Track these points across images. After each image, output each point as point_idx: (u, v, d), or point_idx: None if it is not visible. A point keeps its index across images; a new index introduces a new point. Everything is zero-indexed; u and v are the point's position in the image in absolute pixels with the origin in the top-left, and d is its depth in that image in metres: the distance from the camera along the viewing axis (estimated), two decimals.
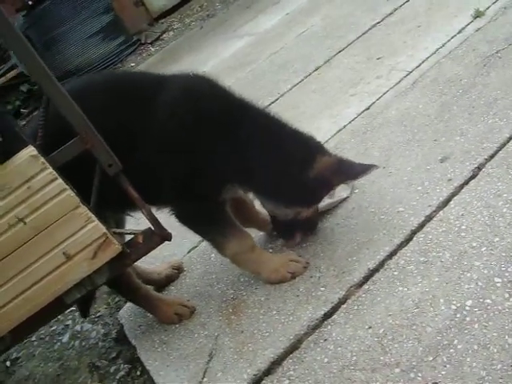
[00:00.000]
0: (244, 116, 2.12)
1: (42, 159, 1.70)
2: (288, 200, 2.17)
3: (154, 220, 1.93)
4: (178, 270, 2.56)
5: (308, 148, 2.15)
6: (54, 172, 1.72)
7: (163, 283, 2.54)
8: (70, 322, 2.86)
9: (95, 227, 1.80)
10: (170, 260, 2.63)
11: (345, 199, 2.43)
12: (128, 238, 2.04)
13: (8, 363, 2.81)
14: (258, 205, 2.41)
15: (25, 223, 1.74)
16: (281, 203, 2.19)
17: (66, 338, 2.75)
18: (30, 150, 1.69)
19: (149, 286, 2.47)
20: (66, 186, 1.74)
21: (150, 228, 1.95)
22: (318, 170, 2.08)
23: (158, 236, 1.95)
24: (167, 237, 1.96)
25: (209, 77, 2.21)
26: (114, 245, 1.83)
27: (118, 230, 1.98)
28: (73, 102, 1.73)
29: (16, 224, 1.73)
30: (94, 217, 1.79)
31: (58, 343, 2.76)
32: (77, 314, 2.85)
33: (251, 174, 2.11)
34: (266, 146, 2.09)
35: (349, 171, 2.12)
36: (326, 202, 2.35)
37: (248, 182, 2.16)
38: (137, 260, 1.97)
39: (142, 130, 2.03)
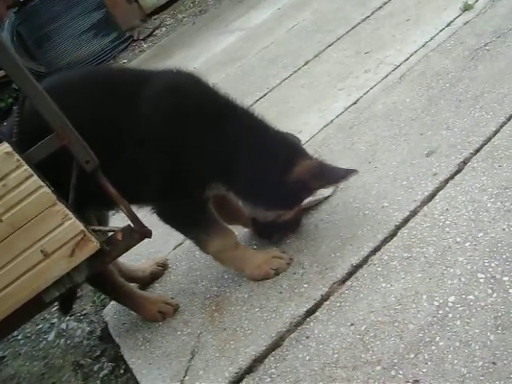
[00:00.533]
0: (229, 114, 2.10)
1: (17, 156, 1.67)
2: (268, 203, 2.15)
3: (133, 217, 1.91)
4: (162, 267, 2.54)
5: (289, 151, 2.13)
6: (30, 169, 1.69)
7: (148, 280, 2.51)
8: (55, 321, 2.83)
9: (72, 224, 1.77)
10: (155, 257, 2.60)
11: (326, 198, 2.40)
12: None
13: None
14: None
15: (1, 221, 1.71)
16: (261, 206, 2.17)
17: (51, 337, 2.73)
18: (5, 147, 1.66)
19: (133, 284, 2.45)
20: (42, 183, 1.71)
21: (129, 225, 1.92)
22: (297, 174, 2.06)
23: (137, 233, 1.92)
24: (147, 234, 1.93)
25: (193, 73, 2.17)
26: (92, 242, 1.80)
27: (96, 228, 1.95)
28: (49, 98, 1.70)
29: None
30: (71, 214, 1.76)
31: (44, 341, 2.73)
32: None
33: (233, 174, 2.09)
34: (249, 147, 2.07)
35: (329, 176, 2.10)
36: (307, 200, 2.34)
37: (230, 182, 2.12)
38: (116, 257, 1.95)
39: (125, 125, 2.00)
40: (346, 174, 2.09)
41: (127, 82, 2.17)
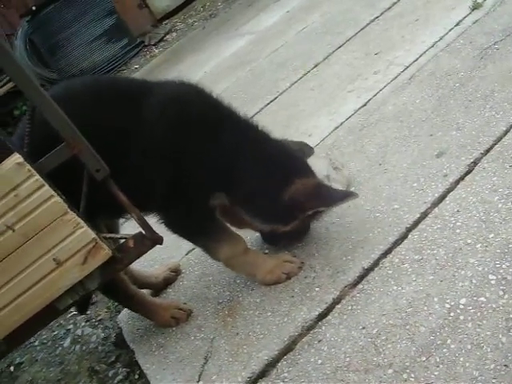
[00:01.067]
0: (231, 124, 2.12)
1: (28, 166, 1.69)
2: (263, 217, 2.17)
3: (144, 224, 1.92)
4: (175, 273, 2.55)
5: (289, 168, 2.13)
6: (41, 179, 1.71)
7: (161, 286, 2.53)
8: (71, 327, 2.86)
9: (84, 233, 1.79)
10: (167, 263, 2.61)
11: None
12: None
13: (12, 368, 2.83)
14: None
15: (13, 230, 1.73)
16: (257, 218, 2.18)
17: (67, 343, 2.75)
18: (16, 158, 1.68)
19: (146, 290, 2.47)
20: (54, 193, 1.73)
21: (140, 232, 1.94)
22: (292, 194, 2.07)
23: (149, 240, 1.93)
24: (158, 240, 1.95)
25: (196, 84, 2.20)
26: (104, 250, 1.82)
27: (108, 235, 1.97)
28: (58, 108, 1.72)
29: (5, 232, 1.72)
30: (82, 222, 1.78)
31: (60, 348, 2.76)
32: (78, 318, 2.86)
33: (233, 184, 2.11)
34: (249, 159, 2.09)
35: (324, 198, 2.10)
36: None
37: (230, 191, 2.14)
38: (128, 264, 1.96)
39: (128, 135, 2.02)
40: (344, 197, 2.10)
41: (131, 92, 2.18)
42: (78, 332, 2.78)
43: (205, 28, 7.12)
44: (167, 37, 7.94)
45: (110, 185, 1.84)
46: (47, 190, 1.71)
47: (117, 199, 1.86)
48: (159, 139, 2.05)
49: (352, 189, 2.43)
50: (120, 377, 2.31)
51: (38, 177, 1.69)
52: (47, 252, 1.77)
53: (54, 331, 2.90)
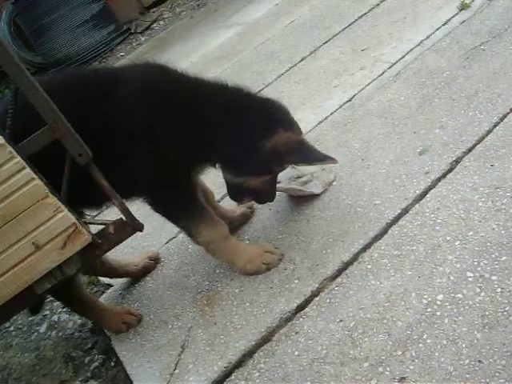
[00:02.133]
0: (202, 93, 2.11)
1: (10, 148, 1.66)
2: (240, 167, 2.16)
3: (125, 210, 1.91)
4: (154, 261, 2.55)
5: (271, 119, 2.11)
6: (22, 161, 1.68)
7: (140, 274, 2.52)
8: (47, 313, 2.83)
9: (64, 217, 1.77)
10: (147, 251, 2.60)
11: (315, 195, 2.41)
12: None
13: None
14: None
15: None
16: (233, 170, 2.19)
17: (43, 329, 2.73)
18: None
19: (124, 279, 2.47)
20: (35, 176, 1.71)
21: (121, 218, 1.93)
22: (274, 143, 2.06)
23: (129, 226, 1.92)
24: (138, 227, 1.94)
25: (161, 63, 2.19)
26: (84, 235, 1.81)
27: (88, 221, 1.95)
28: (42, 90, 1.70)
29: None
30: (63, 206, 1.76)
31: (35, 333, 2.73)
32: (55, 304, 2.83)
33: (216, 150, 2.12)
34: (226, 118, 2.08)
35: (304, 155, 2.11)
36: (293, 186, 2.38)
37: (213, 156, 2.16)
38: (108, 250, 1.95)
39: (104, 121, 1.99)
40: (323, 158, 2.12)
41: (100, 78, 2.18)
42: (55, 318, 2.75)
43: (192, 18, 7.07)
44: (154, 25, 7.86)
45: (93, 170, 1.83)
46: (28, 172, 1.69)
47: (99, 185, 1.85)
48: (134, 120, 2.03)
49: (334, 183, 2.44)
50: (96, 363, 2.30)
51: (19, 159, 1.67)
52: (26, 235, 1.75)
53: (29, 316, 2.87)
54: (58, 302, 2.81)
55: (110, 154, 1.94)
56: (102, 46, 7.67)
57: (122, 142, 2.02)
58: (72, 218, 1.78)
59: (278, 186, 2.37)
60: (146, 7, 8.52)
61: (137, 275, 2.52)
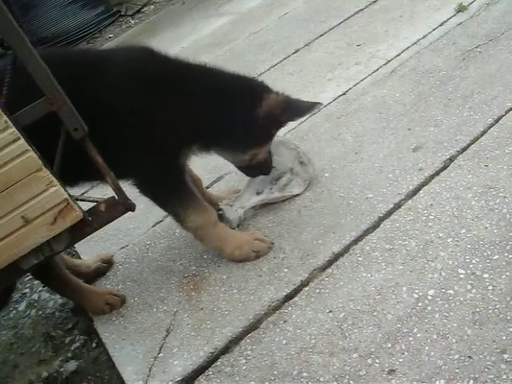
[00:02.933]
0: (187, 75, 2.12)
1: (5, 117, 1.62)
2: (242, 144, 2.21)
3: (118, 189, 1.87)
4: (107, 264, 2.50)
5: (254, 88, 2.18)
6: (17, 132, 1.64)
7: (92, 276, 2.46)
8: (27, 291, 2.79)
9: (57, 192, 1.73)
10: (100, 253, 2.56)
11: (295, 195, 2.40)
12: None
13: None
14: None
15: None
16: (237, 149, 2.24)
17: (22, 307, 2.68)
18: None
19: None
20: (29, 147, 1.66)
21: (113, 197, 1.89)
22: (266, 108, 2.11)
23: (121, 205, 1.89)
24: (130, 206, 1.90)
25: (149, 46, 2.17)
26: (75, 211, 1.77)
27: (79, 197, 1.92)
28: (42, 61, 1.66)
29: None
30: (56, 181, 1.72)
31: (14, 311, 2.68)
32: (35, 283, 2.79)
33: (205, 129, 2.12)
34: (212, 98, 2.09)
35: (295, 108, 2.20)
36: (274, 194, 2.38)
37: (203, 139, 2.16)
38: (98, 229, 1.90)
39: (94, 102, 1.95)
40: (311, 105, 2.21)
41: (89, 59, 2.16)
42: (35, 297, 2.71)
43: (184, 3, 7.00)
44: (145, 9, 7.78)
45: (88, 145, 1.79)
46: (23, 143, 1.64)
47: (93, 160, 1.81)
48: (122, 101, 2.01)
49: (326, 175, 2.44)
50: (77, 344, 2.26)
51: (14, 129, 1.62)
52: (16, 208, 1.70)
53: None
54: (37, 281, 2.76)
55: (96, 135, 1.90)
56: (90, 26, 7.56)
57: (110, 122, 1.99)
58: (64, 194, 1.74)
59: (260, 199, 2.40)
60: None
61: (88, 277, 2.44)
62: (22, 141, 1.65)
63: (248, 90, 2.16)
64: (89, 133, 1.81)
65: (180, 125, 2.07)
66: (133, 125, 2.01)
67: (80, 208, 1.81)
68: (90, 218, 1.85)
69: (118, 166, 2.02)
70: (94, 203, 1.90)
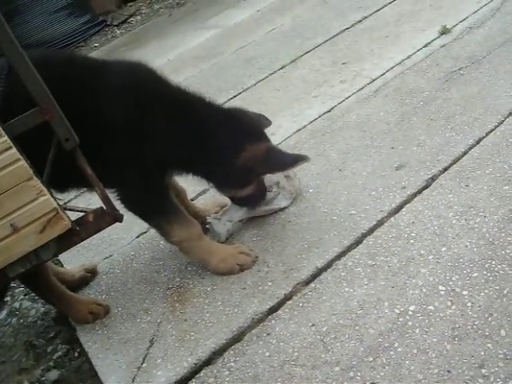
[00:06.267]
0: (185, 101, 2.14)
1: None
2: (221, 183, 2.26)
3: (106, 199, 1.89)
4: (91, 274, 2.50)
5: (240, 136, 2.17)
6: (9, 140, 1.65)
7: (75, 285, 2.46)
8: (8, 299, 2.76)
9: (46, 201, 1.74)
10: (84, 263, 2.58)
11: (282, 208, 2.44)
12: None
13: None
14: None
15: None
16: (218, 185, 2.28)
17: (2, 315, 2.66)
18: None
19: None
20: (20, 156, 1.68)
21: (101, 207, 1.91)
22: (244, 160, 2.12)
23: (109, 216, 1.90)
24: (118, 217, 1.92)
25: (147, 64, 2.19)
26: (64, 221, 1.78)
27: (68, 207, 1.93)
28: (35, 70, 1.68)
29: None
30: (45, 190, 1.73)
31: None
32: (16, 291, 2.77)
33: (188, 161, 2.17)
34: (198, 134, 2.10)
35: (275, 163, 2.19)
36: (262, 208, 2.41)
37: (187, 168, 2.21)
38: (86, 238, 1.92)
39: (87, 112, 1.97)
40: (294, 161, 2.18)
41: (87, 68, 2.16)
42: (16, 305, 2.70)
43: (171, 15, 7.06)
44: (131, 19, 7.81)
45: (78, 156, 1.81)
46: (14, 152, 1.65)
47: (83, 171, 1.83)
48: (118, 117, 2.02)
49: (310, 190, 2.48)
50: (59, 353, 2.26)
51: (6, 138, 1.64)
52: (5, 216, 1.70)
53: None
54: (19, 289, 2.76)
55: (86, 146, 1.91)
56: (75, 35, 7.58)
57: (100, 132, 2.00)
58: (54, 203, 1.76)
59: (248, 212, 2.43)
60: (124, 0, 8.46)
61: (72, 285, 2.43)
62: (14, 150, 1.66)
63: (233, 136, 2.15)
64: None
65: (166, 150, 2.09)
66: (124, 143, 2.04)
67: (68, 217, 1.82)
68: (77, 228, 1.86)
69: (104, 178, 2.04)
70: (82, 213, 1.91)
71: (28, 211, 1.73)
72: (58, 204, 1.78)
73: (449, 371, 1.55)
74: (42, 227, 1.76)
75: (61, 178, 1.83)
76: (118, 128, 2.03)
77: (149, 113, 2.05)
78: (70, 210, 1.92)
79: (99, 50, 7.02)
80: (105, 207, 1.91)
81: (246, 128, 2.22)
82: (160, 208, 2.17)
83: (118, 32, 7.55)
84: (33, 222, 1.75)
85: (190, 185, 2.55)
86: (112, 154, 2.03)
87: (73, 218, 1.87)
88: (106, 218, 1.91)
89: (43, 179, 1.77)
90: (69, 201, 3.05)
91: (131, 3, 8.42)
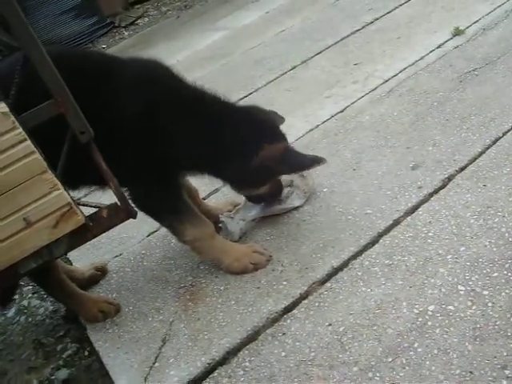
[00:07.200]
0: (201, 102, 2.10)
1: (13, 118, 1.61)
2: (237, 182, 2.23)
3: (120, 195, 1.86)
4: (101, 272, 2.48)
5: (257, 135, 2.14)
6: (24, 133, 1.63)
7: (85, 283, 2.43)
8: (16, 297, 2.74)
9: (60, 195, 1.71)
10: (95, 262, 2.55)
11: (296, 207, 2.41)
12: None
13: None
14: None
15: None
16: (232, 185, 2.25)
17: (11, 313, 2.64)
18: (1, 107, 1.60)
19: None
20: (35, 149, 1.65)
21: (115, 203, 1.88)
22: (261, 159, 2.09)
23: (123, 212, 1.88)
24: (132, 213, 1.89)
25: (164, 63, 2.17)
26: (77, 216, 1.75)
27: (82, 202, 1.90)
28: (52, 64, 1.65)
29: None
30: (59, 184, 1.71)
31: (3, 317, 2.64)
32: (24, 289, 2.75)
33: (204, 160, 2.14)
34: (219, 131, 2.08)
35: (292, 164, 2.18)
36: (275, 206, 2.38)
37: (201, 168, 2.18)
38: (98, 234, 1.89)
39: (102, 109, 1.94)
40: (311, 163, 2.16)
41: (103, 65, 2.13)
42: (24, 303, 2.67)
43: (179, 17, 7.05)
44: (139, 21, 7.80)
45: (93, 149, 1.78)
46: (28, 145, 1.63)
47: (97, 165, 1.80)
48: (132, 113, 2.00)
49: (325, 190, 2.45)
50: (69, 352, 2.23)
51: (21, 130, 1.61)
52: (18, 210, 1.68)
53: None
54: (28, 287, 2.73)
55: (98, 139, 1.89)
56: (83, 36, 7.55)
57: (115, 129, 1.98)
58: (67, 198, 1.73)
59: (261, 210, 2.40)
60: (131, 3, 8.46)
61: (81, 283, 2.39)
62: (28, 142, 1.64)
63: (251, 135, 2.12)
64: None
65: (182, 148, 2.08)
66: (140, 142, 2.03)
67: (82, 213, 1.79)
68: (91, 224, 1.84)
69: (117, 175, 2.01)
70: (96, 209, 1.88)
71: (41, 205, 1.70)
72: (71, 199, 1.75)
73: (471, 372, 1.52)
74: (56, 222, 1.73)
75: (73, 173, 1.80)
76: (133, 125, 2.01)
77: (164, 110, 2.04)
78: (84, 205, 1.89)
79: (107, 51, 7.00)
80: (119, 203, 1.89)
81: (264, 126, 2.19)
82: (173, 208, 2.15)
83: (125, 33, 7.54)
84: (46, 217, 1.72)
85: (201, 184, 2.53)
86: (126, 151, 2.01)
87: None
88: (119, 214, 1.89)
89: (57, 173, 1.75)
90: (78, 199, 3.01)
91: (139, 5, 8.41)
